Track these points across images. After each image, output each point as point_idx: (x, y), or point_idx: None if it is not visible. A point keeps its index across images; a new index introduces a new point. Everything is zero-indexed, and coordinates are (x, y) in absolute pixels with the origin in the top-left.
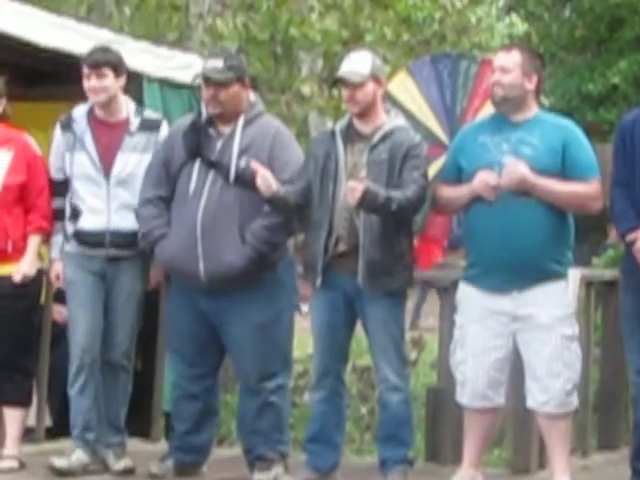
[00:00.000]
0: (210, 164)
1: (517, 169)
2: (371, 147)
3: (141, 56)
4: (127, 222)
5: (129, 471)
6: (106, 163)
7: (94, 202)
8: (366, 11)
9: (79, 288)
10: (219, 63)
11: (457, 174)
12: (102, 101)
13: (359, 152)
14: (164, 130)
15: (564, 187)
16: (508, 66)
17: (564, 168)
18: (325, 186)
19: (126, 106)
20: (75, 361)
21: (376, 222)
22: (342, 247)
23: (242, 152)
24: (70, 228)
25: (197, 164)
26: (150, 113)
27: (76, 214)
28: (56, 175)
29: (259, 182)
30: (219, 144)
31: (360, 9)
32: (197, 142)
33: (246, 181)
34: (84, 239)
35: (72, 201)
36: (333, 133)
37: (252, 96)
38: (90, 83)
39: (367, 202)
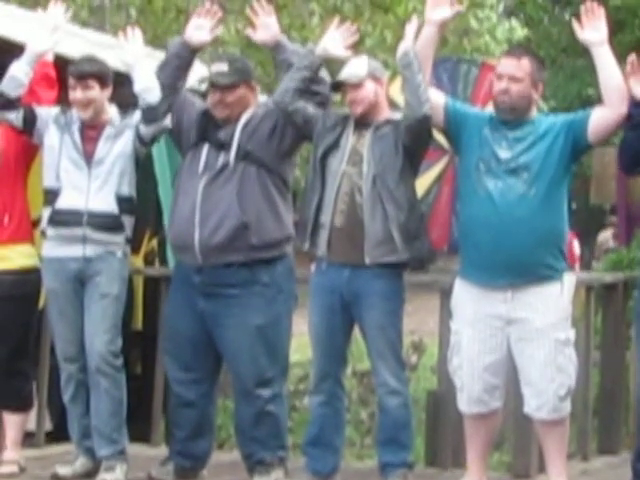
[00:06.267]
0: (219, 145)
1: None
2: (375, 128)
3: None
4: (105, 204)
5: None
6: (88, 150)
7: (75, 181)
8: (366, 15)
9: (59, 297)
10: (224, 67)
11: (452, 107)
12: (88, 117)
13: (362, 137)
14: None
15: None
16: (518, 75)
17: (572, 138)
18: (323, 154)
19: (111, 112)
20: (63, 371)
21: (382, 202)
22: (340, 221)
23: (244, 127)
24: (47, 213)
25: (206, 146)
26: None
27: (54, 196)
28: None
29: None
30: (226, 128)
31: (360, 13)
32: (205, 125)
33: (249, 156)
34: (61, 218)
35: (49, 185)
36: (347, 116)
37: (263, 98)
38: (76, 95)
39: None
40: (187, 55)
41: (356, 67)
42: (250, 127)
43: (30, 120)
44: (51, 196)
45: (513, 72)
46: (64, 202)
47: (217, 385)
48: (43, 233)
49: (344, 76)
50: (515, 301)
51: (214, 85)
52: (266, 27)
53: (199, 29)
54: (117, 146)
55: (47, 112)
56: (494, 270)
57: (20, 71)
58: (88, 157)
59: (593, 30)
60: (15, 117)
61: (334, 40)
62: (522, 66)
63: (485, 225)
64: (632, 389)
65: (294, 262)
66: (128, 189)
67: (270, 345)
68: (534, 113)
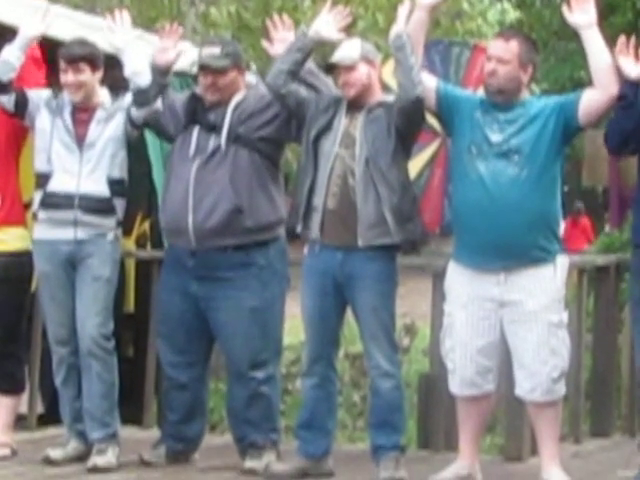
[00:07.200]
0: (209, 127)
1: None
2: (367, 110)
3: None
4: (97, 186)
5: (96, 469)
6: (80, 133)
7: (67, 164)
8: None
9: (50, 280)
10: (216, 50)
11: (444, 91)
12: (79, 100)
13: (355, 119)
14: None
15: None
16: (506, 57)
17: (562, 122)
18: (316, 137)
19: (102, 95)
20: (54, 354)
21: (375, 184)
22: (333, 204)
23: (234, 110)
24: (38, 196)
25: (196, 129)
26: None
27: (46, 179)
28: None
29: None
30: (217, 110)
31: None
32: (194, 108)
33: (241, 139)
34: (53, 201)
35: (41, 168)
36: (340, 98)
37: (253, 78)
38: (67, 78)
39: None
40: (160, 78)
41: (349, 49)
42: (241, 110)
43: (22, 103)
44: (42, 179)
45: (501, 54)
46: (56, 185)
47: (209, 368)
48: (34, 216)
49: (337, 58)
50: (508, 283)
51: (205, 68)
52: (284, 42)
53: (163, 51)
54: (109, 129)
55: (38, 95)
56: (487, 253)
57: (12, 55)
58: (80, 140)
59: (582, 13)
60: (7, 100)
61: (327, 23)
62: (510, 48)
63: (477, 208)
64: (624, 372)
65: (286, 244)
66: (119, 172)
67: (264, 327)
68: (525, 95)
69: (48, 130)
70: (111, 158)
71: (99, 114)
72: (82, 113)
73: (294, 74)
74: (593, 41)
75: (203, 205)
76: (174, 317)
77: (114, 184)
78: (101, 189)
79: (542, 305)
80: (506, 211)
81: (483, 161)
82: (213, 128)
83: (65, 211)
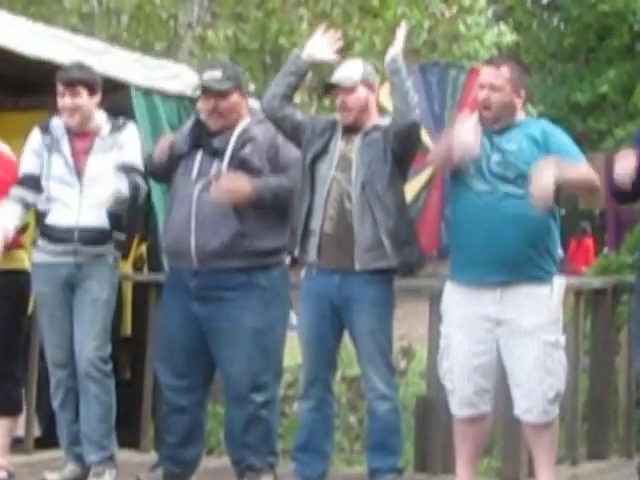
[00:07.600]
0: (212, 152)
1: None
2: (364, 134)
3: (129, 66)
4: (96, 219)
5: None
6: (79, 165)
7: (66, 199)
8: (355, 20)
9: (49, 302)
10: (217, 73)
11: None
12: (76, 124)
13: (351, 142)
14: (129, 130)
15: (577, 173)
16: (498, 83)
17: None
18: (312, 160)
19: (99, 118)
20: (52, 376)
21: (371, 207)
22: (330, 227)
23: (239, 136)
24: (38, 229)
25: (200, 153)
26: (118, 119)
27: (45, 214)
28: (25, 169)
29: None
30: (221, 136)
31: (349, 19)
32: (199, 133)
33: (244, 164)
34: (52, 234)
35: (42, 206)
36: (336, 121)
37: (256, 104)
38: (64, 101)
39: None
40: (167, 160)
41: (350, 70)
42: (247, 137)
43: (39, 189)
44: (42, 216)
45: (493, 80)
46: (55, 218)
47: (209, 392)
48: (33, 243)
49: (337, 79)
50: (504, 301)
51: (207, 91)
52: None
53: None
54: (107, 161)
55: (34, 162)
56: (483, 267)
57: (8, 226)
58: (79, 173)
59: (542, 197)
60: (36, 203)
61: (320, 45)
62: (501, 74)
63: (474, 225)
64: (621, 394)
65: (288, 268)
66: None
67: (265, 349)
68: (521, 116)
69: (46, 167)
70: (110, 190)
71: (97, 145)
72: (80, 141)
73: (289, 97)
74: (570, 193)
75: (206, 227)
76: (175, 340)
77: (113, 217)
78: (101, 222)
79: (537, 324)
80: (502, 225)
81: (480, 178)
82: (216, 153)
83: (65, 244)
